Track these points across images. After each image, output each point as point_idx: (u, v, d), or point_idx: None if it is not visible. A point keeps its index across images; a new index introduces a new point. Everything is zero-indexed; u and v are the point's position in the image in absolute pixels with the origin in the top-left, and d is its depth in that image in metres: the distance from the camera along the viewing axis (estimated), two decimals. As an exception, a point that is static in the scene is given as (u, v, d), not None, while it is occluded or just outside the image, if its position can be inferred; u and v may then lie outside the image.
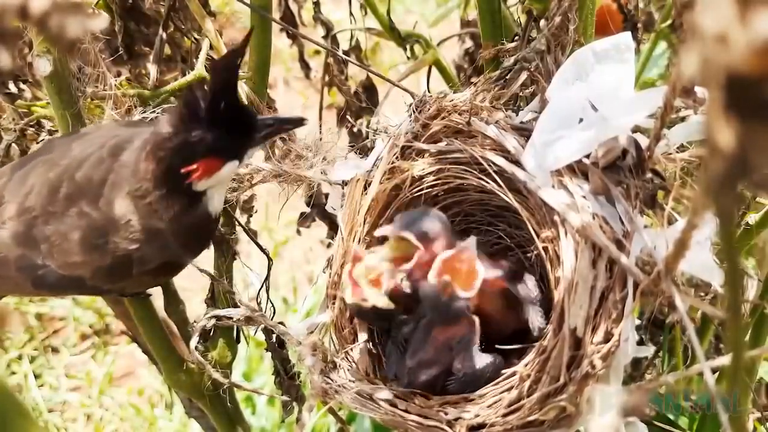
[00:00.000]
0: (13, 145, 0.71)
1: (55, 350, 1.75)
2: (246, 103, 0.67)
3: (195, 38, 0.79)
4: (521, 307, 0.59)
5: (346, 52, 1.07)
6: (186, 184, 0.50)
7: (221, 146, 0.49)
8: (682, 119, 0.52)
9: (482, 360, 0.56)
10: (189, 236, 0.53)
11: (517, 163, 0.57)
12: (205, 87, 0.47)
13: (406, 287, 0.56)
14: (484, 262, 0.59)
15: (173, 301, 0.79)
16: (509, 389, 0.53)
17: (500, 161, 0.58)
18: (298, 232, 1.07)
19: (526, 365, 0.52)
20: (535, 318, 0.59)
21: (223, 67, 0.47)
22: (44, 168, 0.55)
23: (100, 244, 0.52)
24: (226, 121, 0.49)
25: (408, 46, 0.97)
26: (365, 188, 0.64)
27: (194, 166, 0.49)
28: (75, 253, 0.52)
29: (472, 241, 0.54)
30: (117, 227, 0.51)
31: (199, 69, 0.68)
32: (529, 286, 0.61)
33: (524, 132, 0.58)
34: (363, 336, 0.63)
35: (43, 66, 0.59)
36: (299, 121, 0.54)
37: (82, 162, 0.53)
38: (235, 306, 0.68)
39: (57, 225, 0.52)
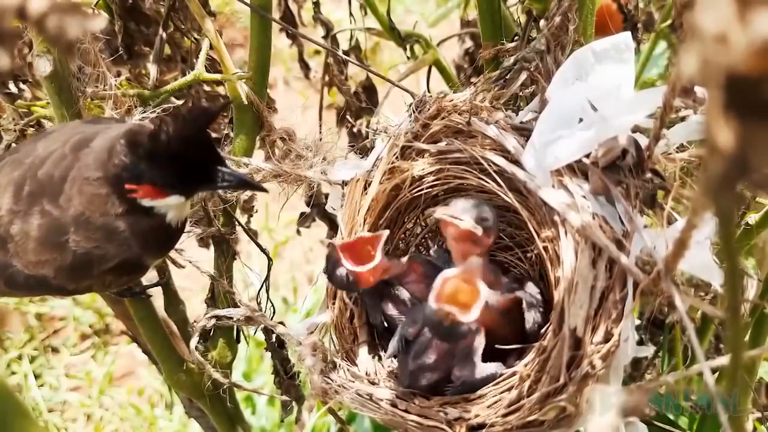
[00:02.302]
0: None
1: (55, 350, 1.75)
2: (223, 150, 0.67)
3: (195, 38, 0.79)
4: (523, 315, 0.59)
5: (346, 52, 1.07)
6: (127, 195, 0.50)
7: (167, 182, 0.50)
8: (682, 119, 0.52)
9: (483, 370, 0.56)
10: (145, 239, 0.53)
11: (517, 163, 0.57)
12: (174, 127, 0.47)
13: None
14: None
15: (173, 301, 0.79)
16: (509, 389, 0.53)
17: (500, 161, 0.58)
18: (298, 232, 1.07)
19: (526, 365, 0.52)
20: (532, 317, 0.59)
21: (193, 122, 0.47)
22: (10, 168, 0.55)
23: (62, 242, 0.52)
24: (183, 162, 0.49)
25: (408, 46, 0.97)
26: (365, 188, 0.64)
27: (136, 188, 0.50)
28: (38, 252, 0.52)
29: (476, 262, 0.54)
30: (77, 223, 0.51)
31: (199, 69, 0.68)
32: (531, 293, 0.61)
33: (524, 132, 0.58)
34: (363, 336, 0.63)
35: (43, 66, 0.59)
36: (259, 188, 0.55)
37: (45, 160, 0.53)
38: (235, 306, 0.68)
39: (21, 224, 0.53)
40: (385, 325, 0.63)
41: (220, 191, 0.68)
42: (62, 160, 0.53)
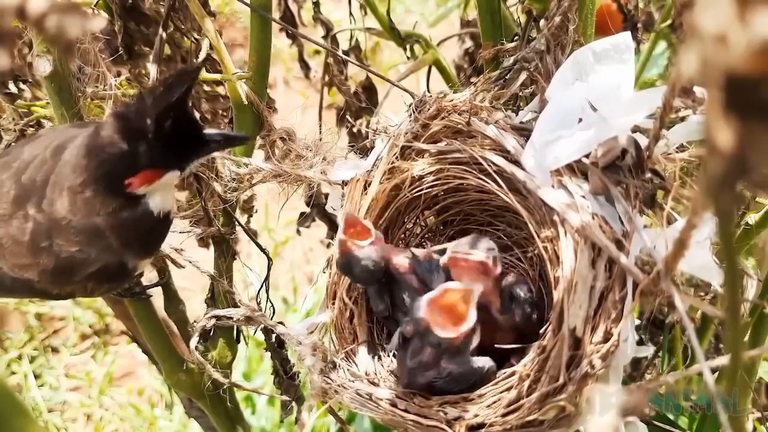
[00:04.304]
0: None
1: (55, 350, 1.75)
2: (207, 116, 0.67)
3: (195, 38, 0.79)
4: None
5: (346, 52, 1.07)
6: (124, 190, 0.50)
7: (164, 159, 0.50)
8: (682, 119, 0.52)
9: (472, 363, 0.56)
10: (129, 234, 0.53)
11: (517, 163, 0.57)
12: (156, 97, 0.47)
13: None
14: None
15: (173, 301, 0.79)
16: (508, 389, 0.53)
17: (500, 161, 0.58)
18: (298, 232, 1.07)
19: (525, 365, 0.52)
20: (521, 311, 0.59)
21: (176, 84, 0.47)
22: (0, 170, 0.56)
23: (45, 246, 0.52)
24: (172, 134, 0.49)
25: (408, 46, 0.97)
26: (365, 188, 0.64)
27: (134, 177, 0.49)
28: (22, 256, 0.53)
29: (477, 288, 0.54)
30: (60, 228, 0.51)
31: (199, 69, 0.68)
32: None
33: (524, 132, 0.58)
34: (363, 336, 0.63)
35: (43, 66, 0.59)
36: (244, 139, 0.56)
37: (29, 164, 0.54)
38: (235, 306, 0.68)
39: (7, 228, 0.53)
40: (387, 313, 0.63)
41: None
42: (43, 164, 0.53)
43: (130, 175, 0.49)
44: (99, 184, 0.50)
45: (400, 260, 0.61)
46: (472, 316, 0.52)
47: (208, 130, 0.52)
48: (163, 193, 0.53)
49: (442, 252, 0.58)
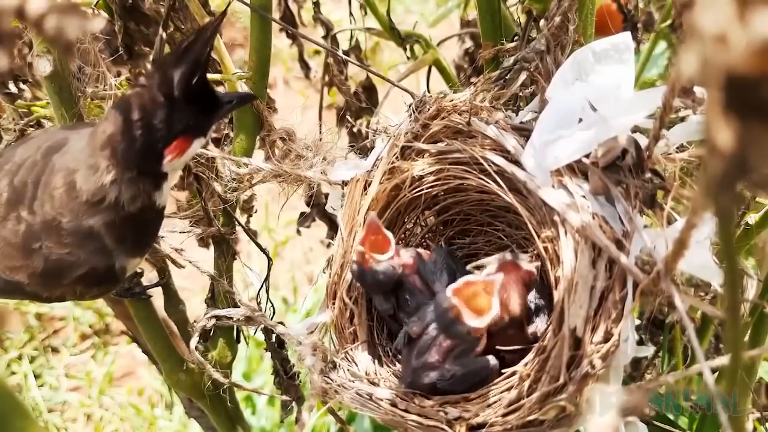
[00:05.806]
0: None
1: (55, 350, 1.75)
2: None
3: (195, 38, 0.79)
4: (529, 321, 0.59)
5: (346, 52, 1.07)
6: (159, 164, 0.50)
7: (193, 125, 0.50)
8: (682, 119, 0.52)
9: (477, 363, 0.56)
10: (127, 229, 0.52)
11: (517, 163, 0.57)
12: (175, 64, 0.47)
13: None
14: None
15: (173, 301, 0.79)
16: (509, 389, 0.53)
17: (500, 161, 0.58)
18: (298, 232, 1.07)
19: (525, 365, 0.52)
20: (539, 323, 0.59)
21: (198, 44, 0.47)
22: None
23: (36, 248, 0.52)
24: (195, 98, 0.49)
25: (408, 46, 0.97)
26: (365, 188, 0.64)
27: (172, 146, 0.49)
28: (14, 258, 0.53)
29: (498, 278, 0.54)
30: (50, 229, 0.51)
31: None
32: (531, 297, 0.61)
33: (524, 132, 0.58)
34: (363, 336, 0.63)
35: (43, 66, 0.59)
36: (252, 96, 0.60)
37: (21, 167, 0.54)
38: (235, 306, 0.68)
39: (1, 230, 0.53)
40: (393, 312, 0.63)
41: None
42: (34, 167, 0.53)
43: (166, 144, 0.49)
44: (132, 170, 0.49)
45: (405, 260, 0.61)
46: (495, 306, 0.53)
47: (221, 92, 0.51)
48: (167, 184, 0.53)
49: (479, 268, 0.57)
